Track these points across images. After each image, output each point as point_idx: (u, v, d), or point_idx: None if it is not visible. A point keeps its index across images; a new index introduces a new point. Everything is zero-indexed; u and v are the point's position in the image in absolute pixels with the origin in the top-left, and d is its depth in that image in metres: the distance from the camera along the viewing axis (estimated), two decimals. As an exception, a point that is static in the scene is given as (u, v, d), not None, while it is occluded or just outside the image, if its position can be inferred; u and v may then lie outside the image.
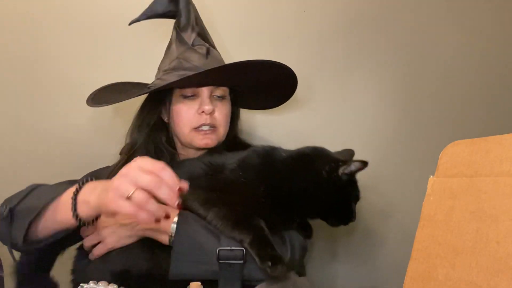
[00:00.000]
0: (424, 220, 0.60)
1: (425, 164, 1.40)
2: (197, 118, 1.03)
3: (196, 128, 1.04)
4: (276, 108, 1.31)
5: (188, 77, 0.97)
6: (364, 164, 0.91)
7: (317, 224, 1.44)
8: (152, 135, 1.07)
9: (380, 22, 1.47)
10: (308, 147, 1.01)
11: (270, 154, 0.97)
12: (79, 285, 0.74)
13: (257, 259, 0.79)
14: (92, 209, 0.76)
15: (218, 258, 0.81)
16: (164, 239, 0.86)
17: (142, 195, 0.68)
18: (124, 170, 0.71)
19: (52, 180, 0.98)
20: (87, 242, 0.91)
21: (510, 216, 0.50)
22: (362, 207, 1.48)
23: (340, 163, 0.92)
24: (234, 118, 1.14)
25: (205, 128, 1.04)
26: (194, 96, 1.04)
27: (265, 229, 0.84)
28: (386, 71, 1.48)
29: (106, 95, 1.08)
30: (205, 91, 1.03)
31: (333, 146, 1.49)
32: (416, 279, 0.58)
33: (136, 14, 1.10)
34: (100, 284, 0.74)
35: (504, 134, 0.54)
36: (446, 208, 0.57)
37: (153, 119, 1.08)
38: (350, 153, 1.04)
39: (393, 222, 1.47)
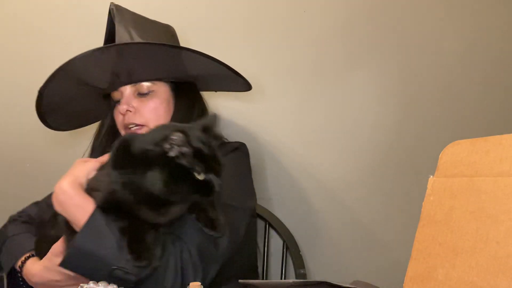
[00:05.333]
0: (424, 220, 0.60)
1: (425, 164, 1.41)
2: (122, 120, 1.07)
3: (128, 129, 1.07)
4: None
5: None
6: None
7: (319, 224, 1.44)
8: (109, 138, 1.13)
9: (380, 22, 1.47)
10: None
11: None
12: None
13: None
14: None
15: None
16: None
17: None
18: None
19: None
20: None
21: (510, 216, 0.50)
22: (362, 207, 1.48)
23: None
24: (181, 109, 1.10)
25: (132, 127, 1.06)
26: (120, 100, 1.07)
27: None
28: (386, 71, 1.48)
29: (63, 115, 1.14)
30: (126, 91, 1.06)
31: (334, 145, 1.49)
32: (416, 279, 0.58)
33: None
34: (100, 284, 0.74)
35: (504, 134, 0.54)
36: (446, 208, 0.57)
37: (106, 123, 1.15)
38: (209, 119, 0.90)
39: (393, 222, 1.47)
